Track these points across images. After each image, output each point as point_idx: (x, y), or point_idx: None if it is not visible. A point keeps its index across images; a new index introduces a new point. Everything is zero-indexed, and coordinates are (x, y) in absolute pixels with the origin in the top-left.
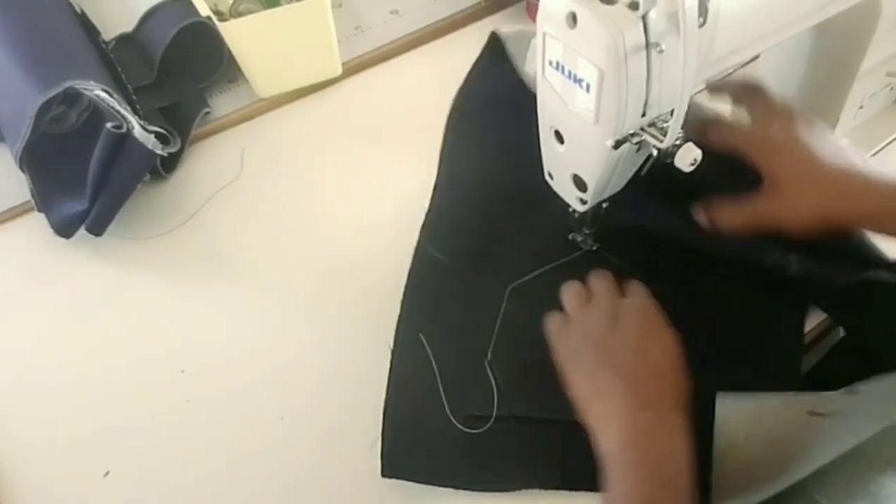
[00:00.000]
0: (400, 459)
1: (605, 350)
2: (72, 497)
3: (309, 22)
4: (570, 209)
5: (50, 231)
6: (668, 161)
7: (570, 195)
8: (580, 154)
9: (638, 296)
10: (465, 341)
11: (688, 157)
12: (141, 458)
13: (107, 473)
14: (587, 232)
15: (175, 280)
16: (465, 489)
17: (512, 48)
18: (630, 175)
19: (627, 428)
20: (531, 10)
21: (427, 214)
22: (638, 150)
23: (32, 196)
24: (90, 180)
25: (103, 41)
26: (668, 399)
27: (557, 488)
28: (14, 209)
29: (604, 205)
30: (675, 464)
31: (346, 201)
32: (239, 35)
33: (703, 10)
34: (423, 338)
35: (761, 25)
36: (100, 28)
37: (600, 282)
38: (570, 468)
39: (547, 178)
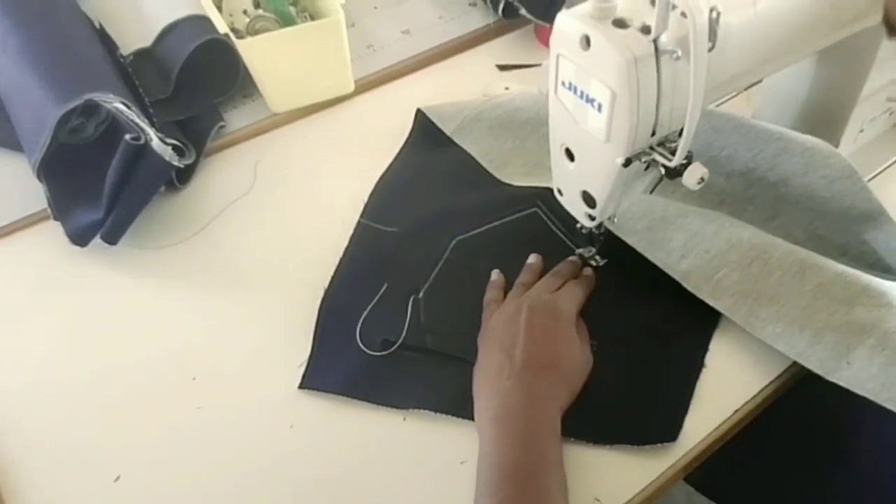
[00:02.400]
0: (318, 374)
1: (504, 335)
2: (82, 501)
3: (323, 41)
4: (579, 225)
5: (65, 239)
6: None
7: (579, 211)
8: (590, 171)
9: (567, 294)
10: (403, 279)
11: (695, 176)
12: (151, 464)
13: (117, 478)
14: (594, 247)
15: (188, 289)
16: (366, 401)
17: (440, 120)
18: (638, 192)
19: (500, 404)
20: (539, 33)
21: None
22: (647, 168)
23: (49, 205)
24: (107, 190)
25: (121, 55)
26: (546, 385)
27: (446, 413)
28: (30, 217)
29: (614, 219)
30: (546, 432)
31: (357, 214)
32: (255, 52)
33: (712, 35)
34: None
35: (767, 50)
36: (118, 42)
37: (547, 277)
38: (458, 400)
39: (556, 194)
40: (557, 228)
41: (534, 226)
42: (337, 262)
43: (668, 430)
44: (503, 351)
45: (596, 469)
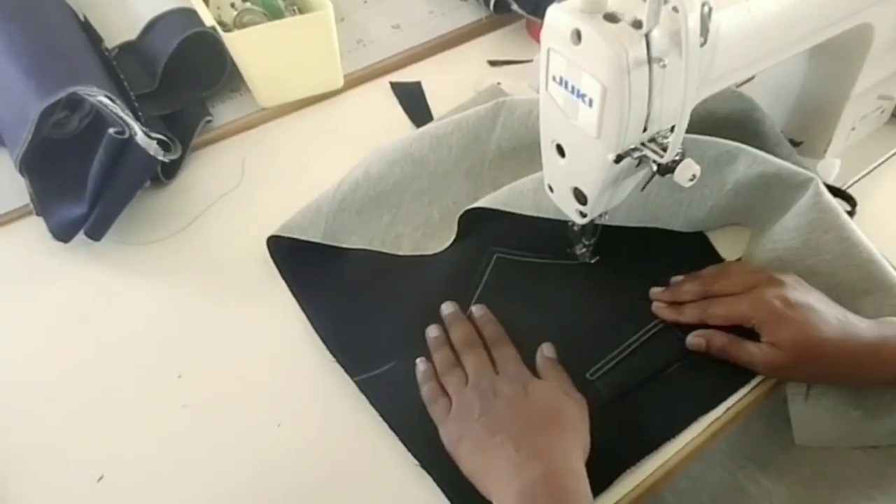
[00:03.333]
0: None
1: (489, 423)
2: (64, 502)
3: (312, 35)
4: (570, 223)
5: (48, 235)
6: (668, 175)
7: (570, 208)
8: (581, 168)
9: (507, 361)
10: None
11: (687, 173)
12: (136, 463)
13: (101, 478)
14: (586, 244)
15: (173, 285)
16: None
17: (301, 232)
18: (630, 189)
19: (521, 481)
20: (531, 28)
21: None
22: (638, 164)
23: (31, 200)
24: (90, 185)
25: (106, 49)
26: (558, 444)
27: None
28: (12, 213)
29: (605, 216)
30: None
31: None
32: (242, 46)
33: (704, 31)
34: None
35: (759, 47)
36: (103, 35)
37: (470, 358)
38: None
39: (547, 190)
40: (529, 258)
41: (515, 269)
42: None
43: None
44: (495, 433)
45: None
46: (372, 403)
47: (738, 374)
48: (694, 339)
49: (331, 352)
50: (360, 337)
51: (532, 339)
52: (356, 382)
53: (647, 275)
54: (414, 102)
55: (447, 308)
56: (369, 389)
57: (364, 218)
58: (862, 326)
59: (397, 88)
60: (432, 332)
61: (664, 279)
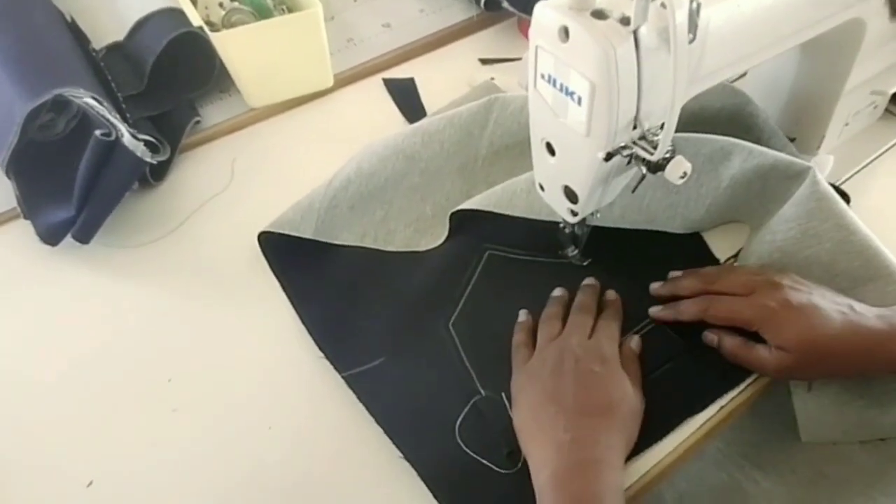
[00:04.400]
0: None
1: (553, 386)
2: None
3: (301, 34)
4: (561, 224)
5: (35, 238)
6: (659, 173)
7: (561, 207)
8: (571, 166)
9: (605, 335)
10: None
11: (678, 170)
12: (125, 468)
13: (90, 483)
14: (576, 246)
15: (163, 289)
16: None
17: (293, 228)
18: (621, 188)
19: (560, 462)
20: (522, 26)
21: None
22: (628, 162)
23: (18, 203)
24: (77, 188)
25: (93, 49)
26: (606, 437)
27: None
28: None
29: (596, 215)
30: (608, 497)
31: None
32: (231, 46)
33: (692, 27)
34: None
35: (749, 43)
36: (90, 36)
37: (576, 317)
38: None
39: (538, 189)
40: (522, 256)
41: (507, 267)
42: None
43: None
44: (553, 402)
45: None
46: (359, 399)
47: (728, 376)
48: (708, 336)
49: (319, 347)
50: (350, 333)
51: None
52: (344, 378)
53: (638, 275)
54: (407, 99)
55: (589, 280)
56: (357, 385)
57: (356, 214)
58: (869, 316)
59: (390, 84)
60: (557, 291)
61: (657, 279)
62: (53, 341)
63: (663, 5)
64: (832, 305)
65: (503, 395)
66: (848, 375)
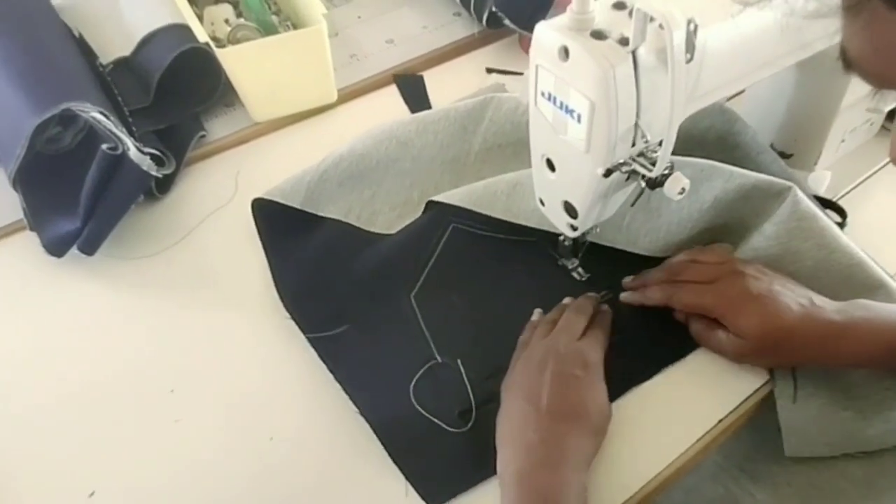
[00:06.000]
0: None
1: (532, 385)
2: None
3: (306, 50)
4: (561, 237)
5: (41, 250)
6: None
7: (561, 222)
8: (571, 182)
9: (592, 341)
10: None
11: (676, 186)
12: (127, 479)
13: (92, 494)
14: (576, 261)
15: (166, 300)
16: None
17: (283, 197)
18: (619, 203)
19: (526, 461)
20: (524, 43)
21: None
22: (627, 178)
23: (25, 215)
24: (83, 200)
25: (101, 64)
26: (574, 440)
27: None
28: (6, 227)
29: (596, 230)
30: (569, 496)
31: None
32: (236, 61)
33: (690, 47)
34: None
35: (746, 62)
36: (98, 51)
37: (569, 316)
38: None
39: (538, 204)
40: (487, 232)
41: (470, 241)
42: None
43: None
44: (529, 401)
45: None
46: (321, 359)
47: (673, 349)
48: (678, 314)
49: (286, 308)
50: (318, 299)
51: (481, 310)
52: (308, 339)
53: (605, 263)
54: (416, 95)
55: (591, 294)
56: (320, 348)
57: (344, 190)
58: (828, 308)
59: (399, 80)
60: (567, 300)
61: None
62: (57, 352)
63: (661, 26)
64: (791, 296)
65: (458, 361)
66: (806, 363)
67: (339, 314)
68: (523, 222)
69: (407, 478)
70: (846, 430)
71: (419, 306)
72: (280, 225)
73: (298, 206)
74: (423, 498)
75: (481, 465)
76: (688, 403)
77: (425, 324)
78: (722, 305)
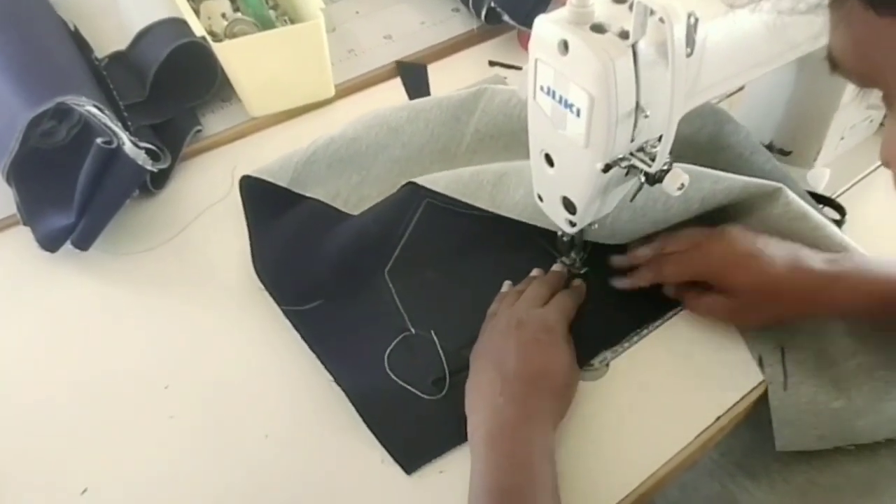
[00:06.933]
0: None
1: (497, 351)
2: None
3: (303, 45)
4: (560, 233)
5: (35, 245)
6: (657, 185)
7: (560, 217)
8: (570, 177)
9: (556, 307)
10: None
11: (675, 182)
12: (121, 475)
13: (84, 490)
14: (574, 256)
15: (161, 296)
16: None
17: (271, 175)
18: (619, 198)
19: (494, 423)
20: (522, 39)
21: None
22: (626, 174)
23: (18, 209)
24: (78, 195)
25: (96, 58)
26: (536, 401)
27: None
28: None
29: (594, 226)
30: (538, 453)
31: None
32: (233, 56)
33: (690, 41)
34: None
35: (746, 58)
36: (93, 45)
37: (532, 287)
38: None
39: (537, 200)
40: (459, 208)
41: (442, 216)
42: None
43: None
44: (494, 367)
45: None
46: (296, 330)
47: (644, 313)
48: (667, 290)
49: (261, 281)
50: (294, 275)
51: (455, 283)
52: (283, 311)
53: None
54: (417, 83)
55: (558, 266)
56: (295, 320)
57: (332, 172)
58: (816, 259)
59: (403, 67)
60: (535, 272)
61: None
62: (51, 348)
63: (662, 20)
64: (777, 251)
65: (432, 331)
66: (796, 315)
67: (313, 289)
68: (505, 213)
69: (383, 444)
70: (837, 421)
71: (393, 282)
72: (265, 202)
73: (285, 185)
74: (400, 464)
75: (455, 432)
76: (685, 401)
77: (399, 299)
78: (708, 266)
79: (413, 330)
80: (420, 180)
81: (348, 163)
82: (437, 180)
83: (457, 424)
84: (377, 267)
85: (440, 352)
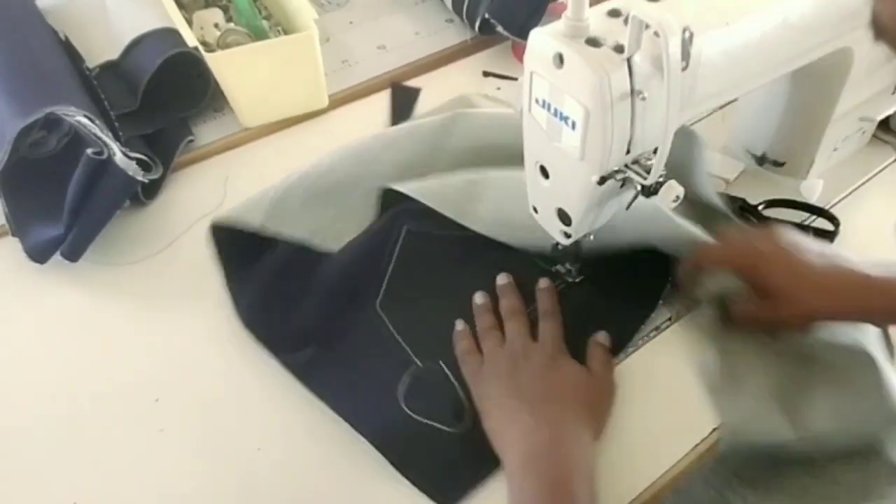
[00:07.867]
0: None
1: (512, 385)
2: None
3: (296, 55)
4: (555, 243)
5: (23, 256)
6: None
7: (555, 229)
8: (565, 189)
9: (548, 336)
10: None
11: (670, 195)
12: (110, 488)
13: None
14: (570, 266)
15: (152, 308)
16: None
17: (241, 219)
18: (613, 211)
19: (528, 444)
20: (516, 50)
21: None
22: (622, 186)
23: (7, 220)
24: (67, 205)
25: (87, 68)
26: (571, 416)
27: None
28: None
29: (590, 237)
30: (577, 473)
31: None
32: (226, 66)
33: (685, 55)
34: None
35: (740, 71)
36: (84, 55)
37: (511, 324)
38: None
39: (531, 211)
40: (441, 231)
41: (425, 242)
42: None
43: None
44: (515, 397)
45: None
46: (297, 378)
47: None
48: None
49: (251, 332)
50: (282, 322)
51: (451, 308)
52: (280, 362)
53: (626, 296)
54: (404, 107)
55: (501, 279)
56: (296, 370)
57: (307, 209)
58: (857, 261)
59: (396, 90)
60: (479, 298)
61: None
62: (40, 359)
63: (656, 34)
64: (819, 247)
65: (440, 362)
66: (829, 317)
67: (303, 334)
68: (466, 224)
69: (415, 484)
70: (787, 408)
71: (387, 314)
72: (240, 248)
73: (257, 227)
74: (437, 501)
75: (489, 458)
76: (681, 412)
77: (396, 330)
78: (751, 253)
79: (419, 363)
80: (395, 185)
81: (324, 197)
82: (411, 187)
83: (489, 451)
84: (367, 301)
85: (454, 381)
